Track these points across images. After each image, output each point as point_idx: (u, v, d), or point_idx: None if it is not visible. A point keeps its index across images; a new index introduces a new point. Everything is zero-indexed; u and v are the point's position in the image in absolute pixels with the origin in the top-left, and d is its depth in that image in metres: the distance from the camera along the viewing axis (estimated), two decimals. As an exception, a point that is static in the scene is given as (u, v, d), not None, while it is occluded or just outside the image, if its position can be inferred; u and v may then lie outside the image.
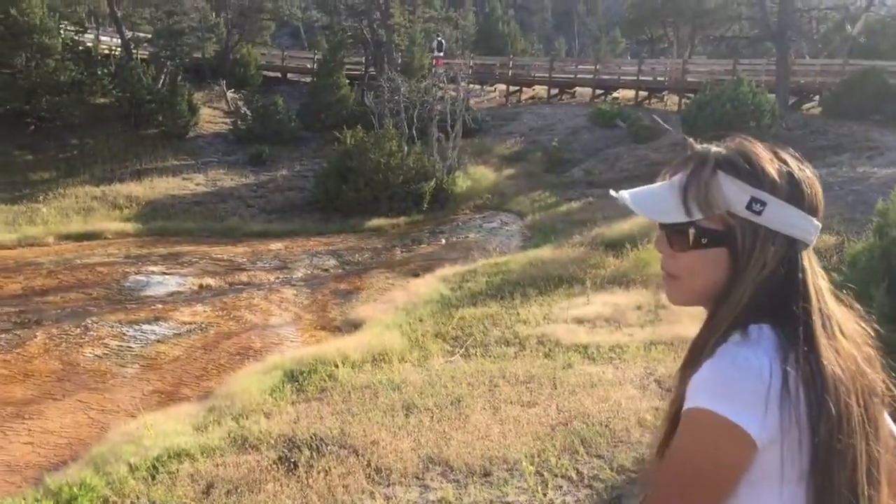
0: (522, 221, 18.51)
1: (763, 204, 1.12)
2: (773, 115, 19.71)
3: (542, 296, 10.98)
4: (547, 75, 30.87)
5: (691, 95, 24.28)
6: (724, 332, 1.14)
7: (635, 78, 28.74)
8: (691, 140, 1.25)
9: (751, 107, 18.66)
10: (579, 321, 9.70)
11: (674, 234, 1.19)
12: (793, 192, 1.14)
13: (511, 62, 32.21)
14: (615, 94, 29.77)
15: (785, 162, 1.16)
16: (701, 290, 1.19)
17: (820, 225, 1.18)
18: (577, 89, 30.68)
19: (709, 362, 1.10)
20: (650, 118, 24.47)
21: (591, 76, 29.99)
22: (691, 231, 1.17)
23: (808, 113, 24.07)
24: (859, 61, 23.81)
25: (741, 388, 1.06)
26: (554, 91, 30.76)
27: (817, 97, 24.74)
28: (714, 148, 1.20)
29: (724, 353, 1.10)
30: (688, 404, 1.09)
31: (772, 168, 1.14)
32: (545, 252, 13.79)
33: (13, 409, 7.93)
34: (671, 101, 27.82)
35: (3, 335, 10.25)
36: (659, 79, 28.92)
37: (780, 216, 1.13)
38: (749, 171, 1.14)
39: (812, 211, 1.16)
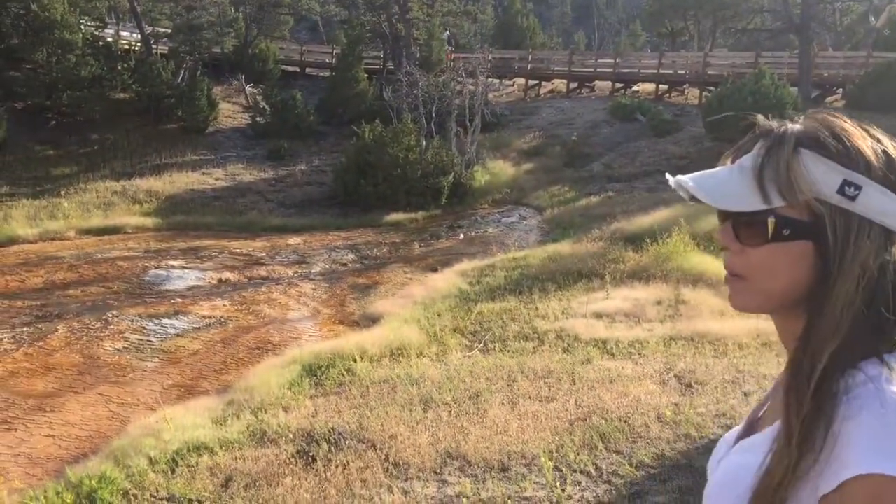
0: (541, 216, 18.43)
1: (858, 188, 0.94)
2: (796, 108, 19.45)
3: (561, 291, 10.93)
4: (566, 69, 30.72)
5: (712, 89, 24.07)
6: (836, 357, 0.93)
7: (655, 71, 28.53)
8: (760, 116, 1.05)
9: (773, 100, 18.46)
10: (598, 316, 9.65)
11: (743, 226, 1.00)
12: (890, 175, 0.96)
13: (530, 56, 32.06)
14: (635, 88, 29.57)
15: (878, 140, 0.98)
16: (777, 294, 0.99)
17: None
18: (597, 83, 30.51)
19: (868, 411, 0.87)
20: (674, 112, 24.32)
21: (610, 70, 29.82)
22: (770, 220, 0.97)
23: (832, 106, 23.80)
24: (883, 54, 23.48)
25: None
26: (573, 85, 30.60)
27: (841, 90, 24.44)
28: (790, 124, 1.02)
29: (880, 395, 0.88)
30: (855, 469, 0.85)
31: (865, 146, 0.96)
32: (564, 247, 13.73)
33: (35, 401, 8.00)
34: (692, 95, 27.60)
35: (25, 328, 10.35)
36: (679, 72, 28.70)
37: (876, 202, 0.94)
38: (839, 149, 0.95)
39: None
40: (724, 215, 1.03)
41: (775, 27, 27.30)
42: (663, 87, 28.29)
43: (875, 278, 0.94)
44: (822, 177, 0.95)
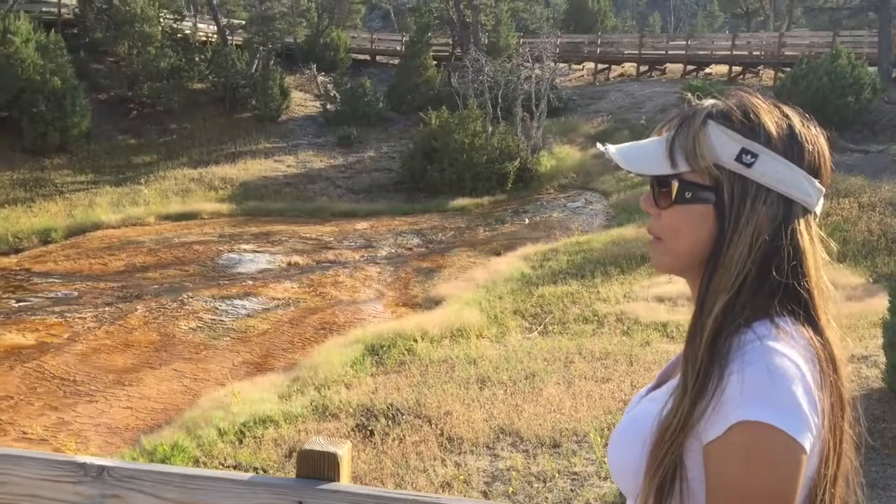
0: (607, 200, 18.31)
1: (754, 156, 1.01)
2: (874, 88, 18.81)
3: (624, 274, 10.93)
4: (636, 52, 30.27)
5: (788, 69, 23.40)
6: (729, 313, 0.99)
7: (729, 53, 27.87)
8: (690, 95, 1.16)
9: (849, 80, 17.87)
10: (660, 299, 9.63)
11: (659, 191, 1.08)
12: (791, 148, 1.03)
13: (599, 40, 31.70)
14: (707, 70, 28.93)
15: (787, 116, 1.05)
16: (685, 253, 1.06)
17: (824, 189, 1.06)
18: (668, 66, 29.96)
19: (753, 366, 0.94)
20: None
21: (682, 52, 29.23)
22: (674, 183, 1.05)
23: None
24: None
25: (797, 399, 0.93)
26: (643, 68, 30.14)
27: (925, 69, 23.45)
28: (710, 100, 1.10)
29: (766, 352, 0.95)
30: (735, 417, 0.92)
31: (769, 119, 1.04)
32: (628, 231, 13.67)
33: (115, 376, 8.47)
34: (767, 76, 26.86)
35: (106, 308, 10.92)
36: (754, 53, 27.97)
37: (773, 171, 1.01)
38: (742, 121, 1.03)
39: (813, 172, 1.04)
40: (651, 183, 1.11)
41: (854, 5, 26.31)
42: (737, 68, 27.60)
43: (769, 242, 1.01)
44: (723, 145, 1.02)
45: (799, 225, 1.03)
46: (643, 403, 1.13)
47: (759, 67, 27.62)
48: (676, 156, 1.05)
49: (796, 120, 1.06)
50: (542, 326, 9.00)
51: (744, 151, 1.02)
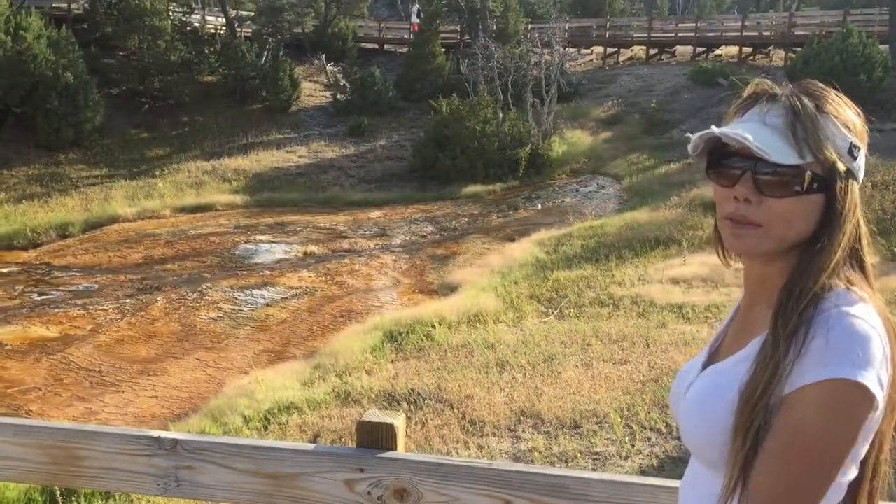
0: (619, 185, 18.36)
1: (858, 149, 1.10)
2: (886, 66, 18.72)
3: (638, 258, 10.99)
4: (646, 35, 30.16)
5: (798, 49, 23.30)
6: (822, 287, 1.08)
7: (739, 34, 27.74)
8: (760, 79, 1.21)
9: (861, 59, 17.79)
10: (675, 282, 9.70)
11: (766, 179, 1.09)
12: (865, 140, 1.14)
13: (608, 23, 31.59)
14: (717, 52, 28.82)
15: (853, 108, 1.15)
16: (790, 239, 1.11)
17: None
18: (678, 48, 29.85)
19: (835, 329, 1.03)
20: (758, 74, 23.65)
21: (692, 34, 29.12)
22: (808, 175, 1.08)
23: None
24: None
25: (873, 356, 1.02)
26: (653, 51, 30.03)
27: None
28: (787, 86, 1.15)
29: (842, 317, 1.04)
30: (823, 374, 1.01)
31: (855, 115, 1.12)
32: (642, 214, 13.72)
33: (139, 366, 8.62)
34: (777, 57, 26.74)
35: (128, 300, 11.07)
36: (764, 34, 27.83)
37: (862, 163, 1.12)
38: (846, 116, 1.11)
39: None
40: (736, 171, 1.12)
41: (866, -18, 26.15)
42: (747, 49, 27.47)
43: (857, 222, 1.12)
44: (839, 139, 1.09)
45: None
46: (710, 376, 1.19)
47: (769, 48, 27.50)
48: (802, 147, 1.08)
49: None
50: (557, 310, 9.08)
51: (853, 146, 1.10)
